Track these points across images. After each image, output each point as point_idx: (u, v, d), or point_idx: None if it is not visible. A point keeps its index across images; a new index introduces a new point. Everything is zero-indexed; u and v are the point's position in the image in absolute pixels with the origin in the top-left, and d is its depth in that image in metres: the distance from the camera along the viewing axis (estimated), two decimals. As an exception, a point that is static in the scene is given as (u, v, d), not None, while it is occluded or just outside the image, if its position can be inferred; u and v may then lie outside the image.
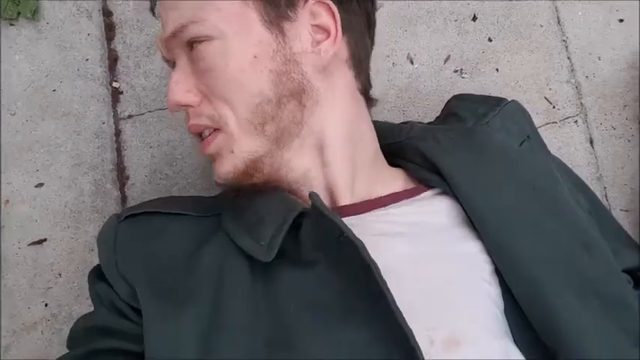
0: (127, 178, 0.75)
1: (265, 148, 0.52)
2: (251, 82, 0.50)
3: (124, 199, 0.74)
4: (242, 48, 0.50)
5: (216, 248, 0.50)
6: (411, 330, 0.40)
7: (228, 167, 0.52)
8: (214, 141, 0.53)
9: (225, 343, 0.44)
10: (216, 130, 0.53)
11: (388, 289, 0.42)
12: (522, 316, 0.48)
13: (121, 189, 0.74)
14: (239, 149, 0.52)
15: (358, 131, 0.57)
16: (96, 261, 0.71)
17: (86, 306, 0.71)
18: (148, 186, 0.74)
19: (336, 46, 0.53)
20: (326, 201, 0.53)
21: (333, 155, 0.54)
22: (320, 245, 0.47)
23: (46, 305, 0.71)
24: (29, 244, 0.73)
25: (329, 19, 0.53)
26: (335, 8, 0.52)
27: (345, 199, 0.54)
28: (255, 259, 0.47)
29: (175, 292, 0.48)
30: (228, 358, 0.43)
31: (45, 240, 0.73)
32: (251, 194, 0.53)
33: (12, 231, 0.73)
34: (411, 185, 0.58)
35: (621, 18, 0.79)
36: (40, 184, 0.74)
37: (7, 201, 0.74)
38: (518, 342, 0.48)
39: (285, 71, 0.51)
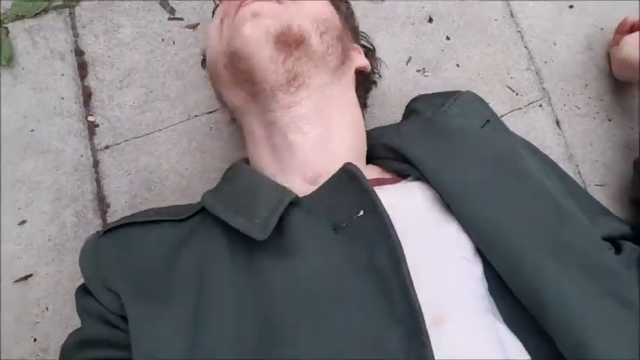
0: (108, 206, 0.76)
1: (310, 40, 0.55)
2: (325, 7, 0.59)
3: (105, 226, 0.75)
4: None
5: (198, 247, 0.50)
6: (419, 305, 0.41)
7: (264, 25, 0.52)
8: (265, 3, 0.54)
9: (212, 338, 0.44)
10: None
11: (407, 264, 0.43)
12: (508, 292, 0.48)
13: (103, 217, 0.75)
14: (286, 16, 0.54)
15: (360, 121, 0.61)
16: (82, 290, 0.72)
17: (75, 337, 0.71)
18: (129, 211, 0.75)
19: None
20: (308, 175, 0.54)
21: (337, 131, 0.57)
22: (314, 231, 0.47)
23: (35, 340, 0.71)
24: (15, 281, 0.73)
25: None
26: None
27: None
28: (238, 252, 0.48)
29: (158, 293, 0.48)
30: (215, 355, 0.43)
31: (31, 275, 0.73)
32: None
33: (-2, 270, 0.74)
34: (387, 176, 0.59)
35: (571, 4, 0.82)
36: (23, 222, 0.75)
37: (-8, 241, 0.75)
38: (506, 318, 0.47)
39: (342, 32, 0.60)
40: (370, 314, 0.42)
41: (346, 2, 0.69)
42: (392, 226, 0.45)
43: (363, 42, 0.70)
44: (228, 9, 0.57)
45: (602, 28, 0.81)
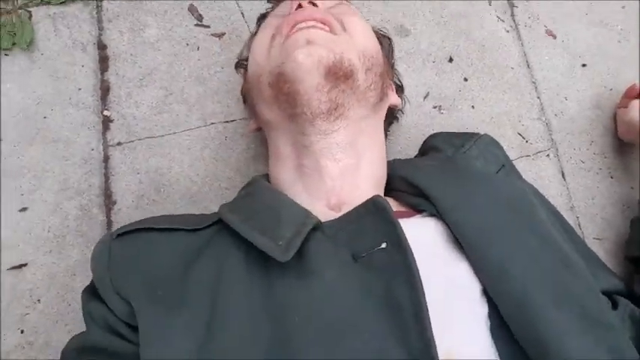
0: (114, 203, 0.75)
1: (357, 75, 0.56)
2: (373, 44, 0.61)
3: (109, 223, 0.74)
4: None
5: (213, 258, 0.50)
6: (435, 342, 0.42)
7: (317, 55, 0.53)
8: (320, 32, 0.56)
9: (223, 350, 0.44)
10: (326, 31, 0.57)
11: (426, 302, 0.43)
12: (509, 335, 0.48)
13: (107, 214, 0.74)
14: (339, 49, 0.55)
15: (385, 154, 0.62)
16: (77, 286, 0.71)
17: (64, 333, 0.69)
18: (135, 211, 0.74)
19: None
20: (332, 201, 0.55)
21: (366, 162, 0.58)
22: (333, 258, 0.48)
23: (22, 332, 0.69)
24: (8, 269, 0.71)
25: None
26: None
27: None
28: (254, 268, 0.48)
29: (170, 301, 0.48)
30: None
31: (25, 265, 0.71)
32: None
33: (-9, 255, 0.72)
34: (402, 209, 0.60)
35: (584, 63, 0.86)
36: (24, 209, 0.74)
37: (-11, 225, 0.73)
38: None
39: (383, 69, 0.62)
40: (384, 346, 0.43)
41: (389, 39, 0.71)
42: (414, 261, 0.46)
43: (395, 79, 0.72)
44: (281, 26, 0.58)
45: (611, 89, 0.85)
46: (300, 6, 0.60)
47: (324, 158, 0.56)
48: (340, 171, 0.56)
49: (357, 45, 0.58)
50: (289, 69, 0.53)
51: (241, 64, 0.73)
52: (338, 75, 0.54)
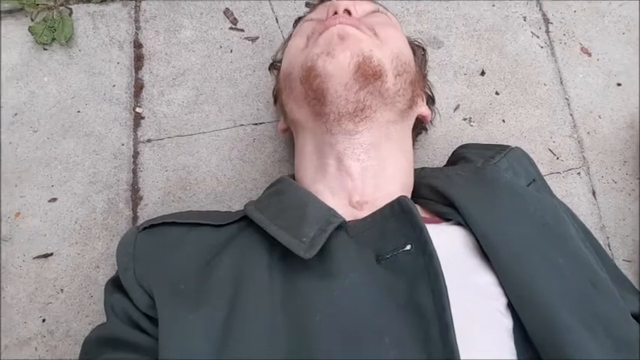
0: (141, 198, 0.75)
1: (386, 77, 0.56)
2: (405, 51, 0.61)
3: (135, 218, 0.74)
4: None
5: (236, 254, 0.50)
6: (458, 350, 0.41)
7: (349, 51, 0.54)
8: (353, 30, 0.56)
9: (243, 346, 0.43)
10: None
11: (450, 307, 0.42)
12: (532, 350, 0.48)
13: (134, 209, 0.75)
14: (368, 47, 0.55)
15: (412, 161, 0.62)
16: (100, 278, 0.71)
17: (85, 324, 0.70)
18: (161, 207, 0.75)
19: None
20: (354, 200, 0.55)
21: (390, 166, 0.58)
22: (356, 258, 0.47)
23: (43, 321, 0.70)
24: (34, 258, 0.72)
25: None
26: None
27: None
28: (276, 265, 0.48)
29: (191, 295, 0.48)
30: None
31: (51, 254, 0.72)
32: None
33: (19, 244, 0.73)
34: (428, 216, 0.59)
35: (619, 82, 0.84)
36: (54, 199, 0.75)
37: (19, 213, 0.74)
38: None
39: (414, 78, 0.62)
40: (404, 349, 0.42)
41: (423, 50, 0.71)
42: (440, 265, 0.45)
43: (426, 89, 0.72)
44: (316, 30, 0.59)
45: (645, 110, 0.83)
46: (335, 13, 0.60)
47: (348, 158, 0.56)
48: (362, 171, 0.56)
49: (390, 46, 0.58)
50: (320, 62, 0.54)
51: (275, 66, 0.74)
52: (367, 74, 0.54)
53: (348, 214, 0.54)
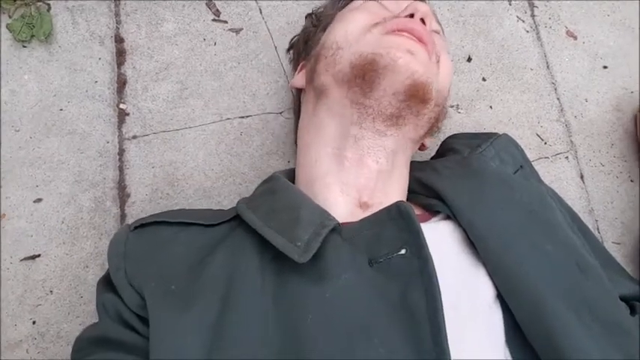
0: (128, 196, 0.75)
1: (428, 105, 0.57)
2: (449, 86, 0.64)
3: (123, 216, 0.74)
4: None
5: (228, 254, 0.50)
6: (449, 351, 0.41)
7: (414, 67, 0.54)
8: (422, 50, 0.56)
9: (233, 347, 0.43)
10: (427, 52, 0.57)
11: (443, 310, 0.43)
12: (524, 340, 0.48)
13: (121, 207, 0.74)
14: (431, 75, 0.56)
15: (407, 178, 0.62)
16: (90, 278, 0.71)
17: (76, 324, 0.69)
18: (149, 204, 0.74)
19: None
20: (362, 200, 0.56)
21: (399, 172, 0.59)
22: (350, 261, 0.47)
23: (34, 323, 0.69)
24: (21, 260, 0.71)
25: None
26: None
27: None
28: (268, 266, 0.48)
29: (182, 295, 0.47)
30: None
31: (39, 255, 0.71)
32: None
33: (6, 246, 0.72)
34: (419, 212, 0.59)
35: (605, 65, 0.84)
36: (39, 200, 0.74)
37: (4, 215, 0.73)
38: None
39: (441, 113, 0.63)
40: (395, 350, 0.42)
41: None
42: (434, 269, 0.45)
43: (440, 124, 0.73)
44: (392, 21, 0.58)
45: (632, 92, 0.83)
46: (411, 15, 0.59)
47: (369, 157, 0.56)
48: (378, 174, 0.57)
49: (441, 78, 0.59)
50: (383, 61, 0.54)
51: (317, 17, 0.72)
52: (417, 95, 0.55)
53: (349, 213, 0.54)
